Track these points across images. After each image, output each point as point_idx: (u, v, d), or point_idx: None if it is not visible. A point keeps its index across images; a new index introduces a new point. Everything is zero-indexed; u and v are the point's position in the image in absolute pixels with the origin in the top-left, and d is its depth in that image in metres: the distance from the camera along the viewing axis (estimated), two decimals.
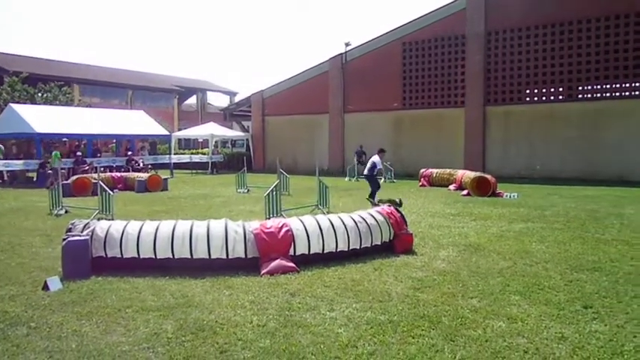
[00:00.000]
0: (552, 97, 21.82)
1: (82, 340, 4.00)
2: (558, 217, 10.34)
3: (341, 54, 26.65)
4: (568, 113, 20.98)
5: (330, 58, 27.01)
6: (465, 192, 14.80)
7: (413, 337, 4.03)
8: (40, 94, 29.93)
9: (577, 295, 5.10)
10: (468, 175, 15.70)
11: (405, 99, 24.80)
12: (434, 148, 23.56)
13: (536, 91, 22.13)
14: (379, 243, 6.95)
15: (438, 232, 8.63)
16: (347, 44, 26.50)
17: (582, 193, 14.77)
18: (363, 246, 6.76)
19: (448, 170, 18.05)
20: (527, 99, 22.27)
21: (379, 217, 7.09)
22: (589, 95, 21.02)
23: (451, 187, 16.49)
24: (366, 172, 12.96)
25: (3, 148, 22.40)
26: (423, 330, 4.18)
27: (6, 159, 20.62)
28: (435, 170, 18.40)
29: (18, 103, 24.66)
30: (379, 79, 25.16)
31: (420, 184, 18.17)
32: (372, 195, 12.49)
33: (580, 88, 21.08)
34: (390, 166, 20.43)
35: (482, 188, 14.34)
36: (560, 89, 21.53)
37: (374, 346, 3.87)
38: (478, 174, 15.45)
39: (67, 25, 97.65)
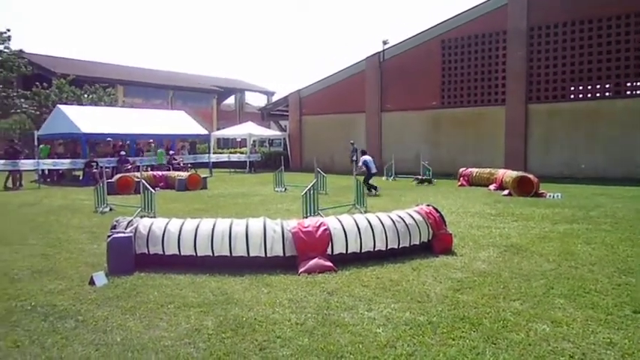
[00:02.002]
0: (598, 94, 21.07)
1: (126, 334, 4.12)
2: (605, 218, 9.97)
3: (378, 52, 26.49)
4: (614, 111, 20.19)
5: (368, 57, 26.89)
6: (505, 192, 14.46)
7: (453, 339, 3.97)
8: (86, 96, 31.00)
9: (626, 299, 4.90)
10: (509, 174, 15.33)
11: (444, 97, 24.45)
12: (473, 147, 23.14)
13: (580, 87, 21.41)
14: (417, 243, 6.87)
15: (478, 233, 8.46)
16: (384, 42, 26.32)
17: (630, 194, 14.20)
18: (401, 246, 6.69)
19: (488, 170, 17.66)
20: (572, 96, 21.56)
21: (417, 217, 7.01)
22: (638, 92, 20.19)
23: (491, 186, 16.13)
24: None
25: (50, 147, 23.26)
26: (463, 332, 4.11)
27: (53, 158, 21.38)
28: (474, 170, 18.04)
29: (65, 104, 25.60)
30: (417, 78, 24.88)
31: (459, 183, 17.86)
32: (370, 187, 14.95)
33: (628, 84, 20.27)
34: (428, 165, 20.17)
35: (524, 188, 13.98)
36: (607, 86, 20.75)
37: (413, 347, 3.83)
38: (520, 173, 15.07)
39: (113, 29, 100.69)
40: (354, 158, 24.58)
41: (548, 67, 21.60)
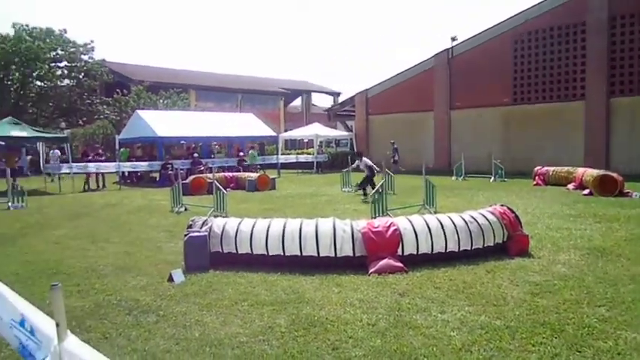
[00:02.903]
0: None
1: (204, 330, 4.27)
2: None
3: (447, 49, 25.91)
4: None
5: (436, 54, 26.37)
6: (586, 191, 13.68)
7: (533, 345, 3.79)
8: (161, 101, 32.55)
9: None
10: (589, 173, 14.48)
11: (517, 93, 23.51)
12: (549, 145, 22.05)
13: None
14: (491, 244, 6.64)
15: (556, 234, 8.05)
16: (453, 39, 25.77)
17: None
18: (474, 247, 6.50)
19: (566, 168, 16.78)
20: None
21: (491, 217, 6.77)
22: None
23: (570, 186, 15.32)
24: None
25: (129, 150, 24.58)
26: (544, 338, 3.92)
27: (132, 161, 22.57)
28: (551, 168, 17.20)
29: (143, 109, 26.96)
30: (488, 74, 24.08)
31: (535, 182, 17.09)
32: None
33: None
34: (500, 164, 19.47)
35: (606, 187, 13.16)
36: None
37: (490, 352, 3.70)
38: (602, 172, 14.20)
39: (184, 35, 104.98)
40: (396, 158, 24.38)
41: (633, 57, 20.23)
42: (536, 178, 17.26)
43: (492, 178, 19.13)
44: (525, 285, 5.34)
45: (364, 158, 15.02)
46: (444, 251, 6.35)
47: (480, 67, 24.32)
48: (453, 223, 6.50)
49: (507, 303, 4.78)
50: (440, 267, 6.04)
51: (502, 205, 7.26)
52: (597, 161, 19.33)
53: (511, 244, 6.75)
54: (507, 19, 23.62)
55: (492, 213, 6.89)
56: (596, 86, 20.97)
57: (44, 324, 2.07)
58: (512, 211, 7.07)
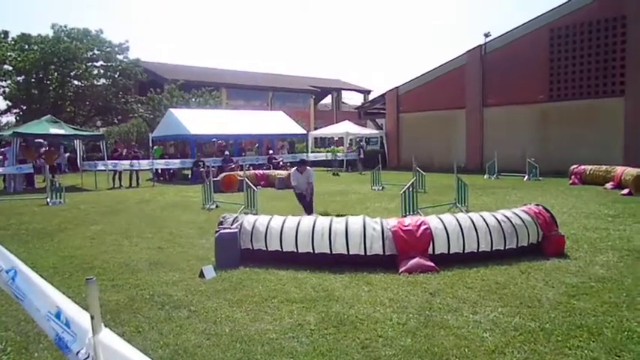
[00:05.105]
0: None
1: (234, 326, 4.30)
2: None
3: (480, 45, 25.42)
4: None
5: (468, 51, 25.90)
6: (625, 191, 13.22)
7: (569, 349, 3.69)
8: (193, 99, 32.99)
9: None
10: (629, 172, 13.99)
11: (553, 90, 22.87)
12: (586, 143, 21.36)
13: None
14: (526, 244, 6.50)
15: (594, 235, 7.82)
16: (486, 35, 25.21)
17: None
18: (507, 247, 6.37)
19: (604, 167, 16.25)
20: None
21: (525, 217, 6.62)
22: None
23: (608, 185, 14.84)
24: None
25: (162, 148, 25.02)
26: (580, 341, 3.81)
27: (165, 158, 22.96)
28: (588, 167, 16.70)
29: (175, 107, 27.39)
30: (523, 70, 23.51)
31: (571, 182, 16.63)
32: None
33: None
34: (534, 162, 19.01)
35: None
36: None
37: (524, 354, 3.61)
38: None
39: (216, 34, 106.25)
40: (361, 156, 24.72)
41: None
42: (573, 177, 16.80)
43: (526, 177, 18.70)
44: (561, 286, 5.20)
45: (308, 168, 10.68)
46: (476, 251, 6.25)
47: (514, 64, 23.77)
48: (486, 222, 6.39)
49: (542, 305, 4.66)
50: (472, 267, 5.95)
51: (537, 205, 7.09)
52: (638, 159, 18.66)
53: (546, 244, 6.59)
54: (544, 13, 23.02)
55: (527, 212, 6.75)
56: (636, 81, 20.24)
57: (79, 317, 2.10)
58: (548, 211, 6.90)
